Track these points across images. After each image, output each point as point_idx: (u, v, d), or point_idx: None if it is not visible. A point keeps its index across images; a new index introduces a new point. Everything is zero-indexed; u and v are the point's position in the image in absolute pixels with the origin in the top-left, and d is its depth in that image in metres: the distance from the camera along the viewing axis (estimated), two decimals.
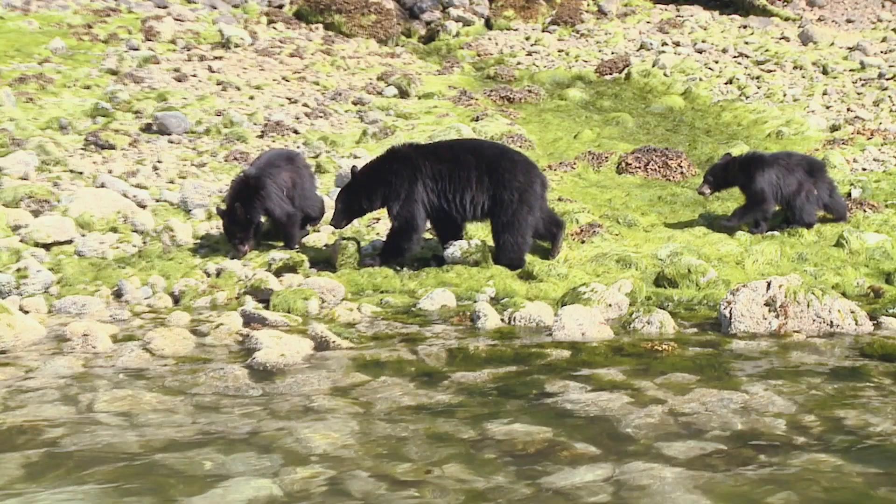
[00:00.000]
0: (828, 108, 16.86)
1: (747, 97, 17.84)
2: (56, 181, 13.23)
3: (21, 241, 11.11)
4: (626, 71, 20.37)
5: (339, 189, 11.47)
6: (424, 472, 5.39)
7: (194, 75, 19.16)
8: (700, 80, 19.20)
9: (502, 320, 8.82)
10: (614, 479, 5.21)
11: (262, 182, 10.99)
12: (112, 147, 14.72)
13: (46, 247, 11.05)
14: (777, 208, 11.54)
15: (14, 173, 13.19)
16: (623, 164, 13.87)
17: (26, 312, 9.19)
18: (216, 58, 20.53)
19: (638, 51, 22.14)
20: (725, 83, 18.92)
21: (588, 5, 26.43)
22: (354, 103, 17.96)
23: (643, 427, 6.01)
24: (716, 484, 5.12)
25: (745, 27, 23.99)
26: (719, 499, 4.93)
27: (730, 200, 12.36)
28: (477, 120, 16.41)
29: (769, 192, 11.31)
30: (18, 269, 9.91)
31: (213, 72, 19.48)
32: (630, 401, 6.48)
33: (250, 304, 9.36)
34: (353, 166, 11.31)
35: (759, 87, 18.41)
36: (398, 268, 10.53)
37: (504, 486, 5.16)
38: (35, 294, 9.73)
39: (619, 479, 5.20)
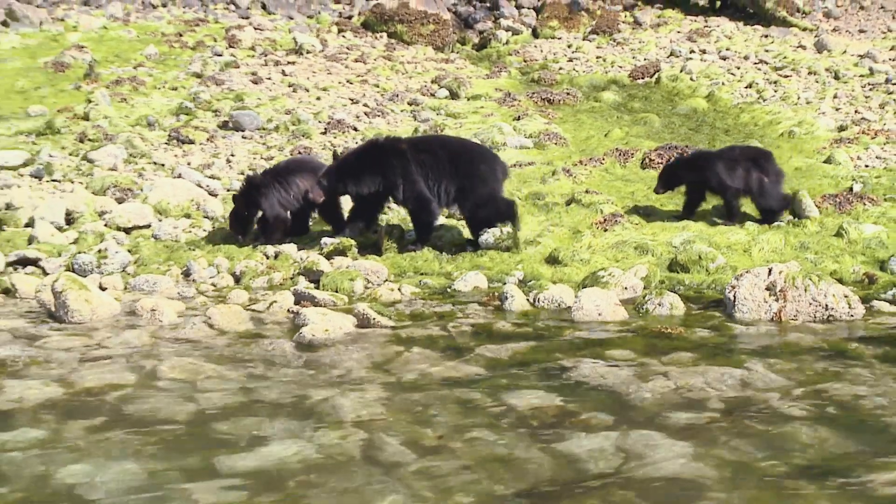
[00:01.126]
0: (837, 110, 16.50)
1: (765, 100, 17.52)
2: (141, 172, 13.29)
3: (105, 225, 11.16)
4: (656, 76, 20.11)
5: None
6: (437, 438, 5.31)
7: (269, 78, 19.16)
8: (723, 84, 18.89)
9: (528, 301, 8.67)
10: (619, 446, 5.09)
11: (265, 183, 10.97)
12: (192, 142, 14.75)
13: (127, 230, 11.10)
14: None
15: (104, 165, 13.27)
16: (647, 160, 13.65)
17: (104, 289, 9.19)
18: (289, 63, 20.52)
19: (668, 57, 21.84)
20: (746, 87, 18.60)
21: (625, 17, 26.17)
22: (409, 104, 17.85)
23: (648, 399, 5.89)
24: (712, 451, 4.99)
25: (766, 37, 23.60)
26: (715, 465, 4.81)
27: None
28: (518, 119, 16.25)
29: (727, 180, 11.16)
30: (99, 251, 9.93)
31: (286, 75, 19.47)
32: (638, 375, 6.34)
33: (302, 284, 9.29)
34: (335, 150, 11.25)
35: (775, 91, 18.08)
36: (438, 252, 10.42)
37: (519, 452, 5.06)
38: (113, 273, 9.73)
39: (624, 446, 5.09)
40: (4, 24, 23.17)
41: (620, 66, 21.37)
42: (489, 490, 4.60)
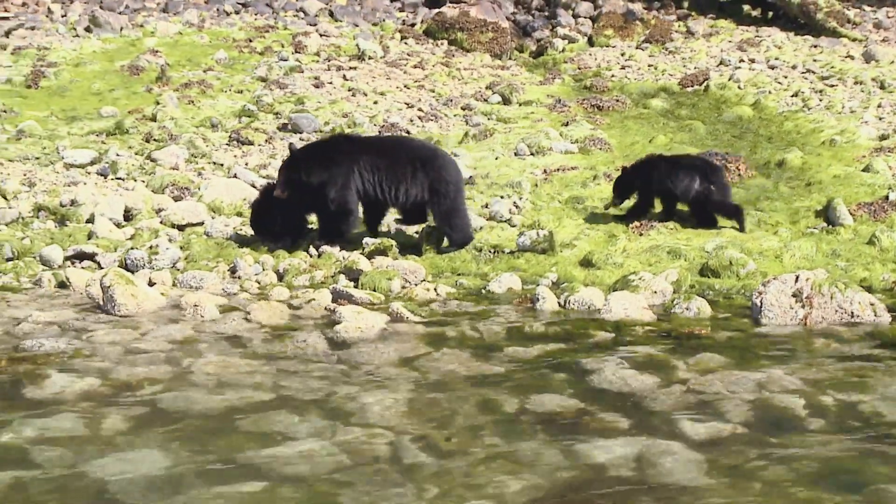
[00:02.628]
0: (880, 119, 15.99)
1: (809, 108, 17.06)
2: (200, 171, 13.31)
3: (161, 222, 11.18)
4: (705, 84, 19.72)
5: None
6: (457, 440, 5.21)
7: (330, 83, 19.11)
8: (769, 92, 18.45)
9: (559, 303, 8.49)
10: (635, 451, 4.96)
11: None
12: (251, 143, 14.75)
13: (181, 228, 11.09)
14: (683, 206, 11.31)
15: (167, 164, 13.31)
16: None
17: (153, 284, 9.19)
18: (351, 68, 20.45)
19: (717, 66, 21.43)
20: (791, 96, 18.14)
21: (678, 26, 25.74)
22: (463, 108, 17.67)
23: (667, 403, 5.75)
24: (726, 459, 4.84)
25: (815, 46, 23.07)
26: (729, 474, 4.65)
27: (779, 200, 11.84)
28: (566, 125, 16.03)
29: (654, 190, 11.14)
30: (151, 247, 9.92)
31: (347, 80, 19.40)
32: (660, 379, 6.20)
33: (342, 283, 9.20)
34: (291, 143, 11.23)
35: (820, 100, 17.61)
36: (477, 252, 10.27)
37: (536, 455, 4.95)
38: (163, 269, 9.70)
39: (640, 451, 4.95)
40: (88, 29, 23.41)
41: (671, 75, 21.02)
42: (504, 494, 4.49)
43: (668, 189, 10.99)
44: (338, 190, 10.33)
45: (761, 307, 7.89)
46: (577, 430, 5.31)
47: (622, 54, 23.52)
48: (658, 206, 11.33)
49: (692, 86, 19.87)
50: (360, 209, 10.67)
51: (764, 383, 6.04)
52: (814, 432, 5.19)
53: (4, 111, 16.44)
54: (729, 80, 19.61)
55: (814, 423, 5.33)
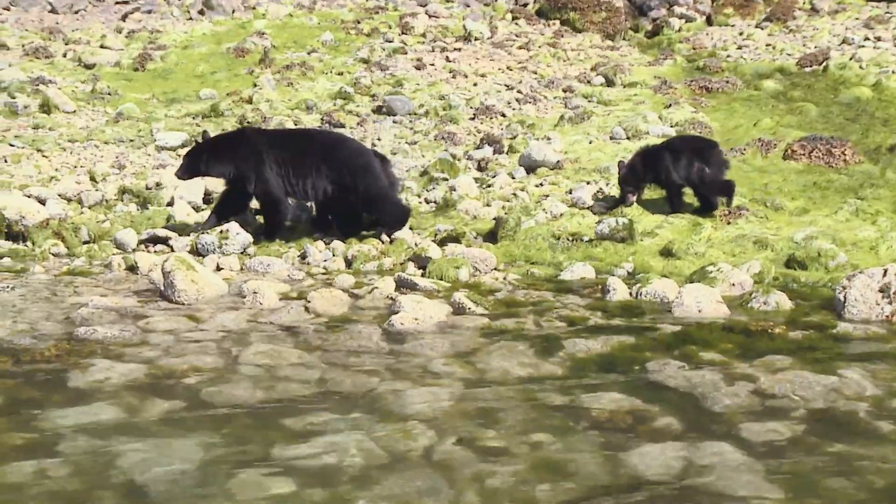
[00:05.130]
0: None
1: None
2: None
3: None
4: (824, 64, 18.94)
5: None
6: (500, 440, 4.99)
7: (432, 64, 18.99)
8: (892, 72, 17.57)
9: (630, 295, 8.19)
10: (687, 458, 4.70)
11: None
12: (342, 126, 14.71)
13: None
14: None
15: None
16: (789, 151, 12.78)
17: (220, 269, 9.18)
18: (455, 49, 20.29)
19: (840, 45, 20.56)
20: None
21: (802, 3, 24.82)
22: (564, 91, 17.32)
23: (728, 406, 5.44)
24: (786, 470, 4.54)
25: None
26: (787, 486, 4.36)
27: (884, 187, 11.22)
28: (668, 107, 15.56)
29: (674, 174, 10.63)
30: (221, 232, 9.89)
31: (450, 61, 19.25)
32: (723, 379, 5.86)
33: (409, 270, 9.04)
34: (205, 131, 11.11)
35: None
36: (553, 240, 9.98)
37: (581, 460, 4.73)
38: (232, 254, 9.69)
39: (692, 458, 4.69)
40: (201, 12, 23.81)
41: (789, 54, 20.26)
42: (539, 498, 4.30)
43: (664, 177, 10.71)
44: (257, 183, 10.26)
45: (844, 302, 7.48)
46: (629, 434, 5.06)
47: (740, 33, 22.81)
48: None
49: (810, 66, 19.10)
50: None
51: (837, 387, 5.68)
52: (887, 445, 4.85)
53: (109, 94, 16.76)
54: (850, 59, 18.75)
55: (886, 435, 4.98)
